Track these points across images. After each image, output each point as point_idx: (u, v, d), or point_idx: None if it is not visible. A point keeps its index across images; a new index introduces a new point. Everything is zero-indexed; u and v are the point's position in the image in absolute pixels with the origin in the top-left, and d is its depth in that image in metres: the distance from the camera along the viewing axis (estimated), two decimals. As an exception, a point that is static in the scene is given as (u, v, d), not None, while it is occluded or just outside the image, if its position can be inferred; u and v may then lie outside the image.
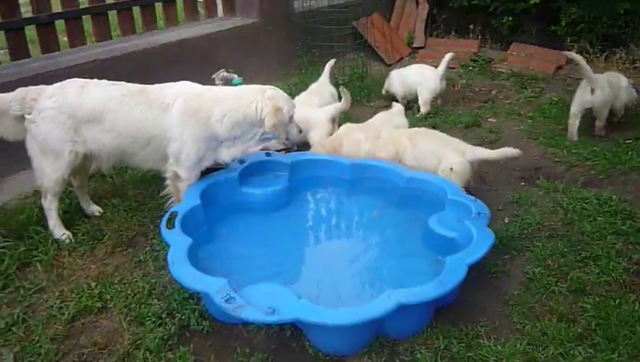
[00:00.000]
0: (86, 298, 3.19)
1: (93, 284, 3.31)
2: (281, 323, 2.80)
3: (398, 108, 4.79)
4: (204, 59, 5.55)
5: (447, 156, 3.93)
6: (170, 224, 3.30)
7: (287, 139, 3.79)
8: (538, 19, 6.99)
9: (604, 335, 2.82)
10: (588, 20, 6.45)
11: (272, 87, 3.73)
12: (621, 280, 3.21)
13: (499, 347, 2.79)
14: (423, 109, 5.57)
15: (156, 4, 5.69)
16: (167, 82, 3.69)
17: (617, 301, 3.04)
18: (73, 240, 3.69)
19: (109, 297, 3.22)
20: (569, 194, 4.08)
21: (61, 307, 3.15)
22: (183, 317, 3.03)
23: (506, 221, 3.86)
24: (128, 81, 3.68)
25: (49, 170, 3.58)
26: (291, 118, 3.70)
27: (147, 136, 3.54)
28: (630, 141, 4.89)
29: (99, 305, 3.17)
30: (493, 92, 6.27)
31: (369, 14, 7.40)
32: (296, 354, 2.85)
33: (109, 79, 3.70)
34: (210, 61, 5.46)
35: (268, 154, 4.08)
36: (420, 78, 5.63)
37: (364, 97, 6.18)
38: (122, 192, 4.26)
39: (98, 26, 5.30)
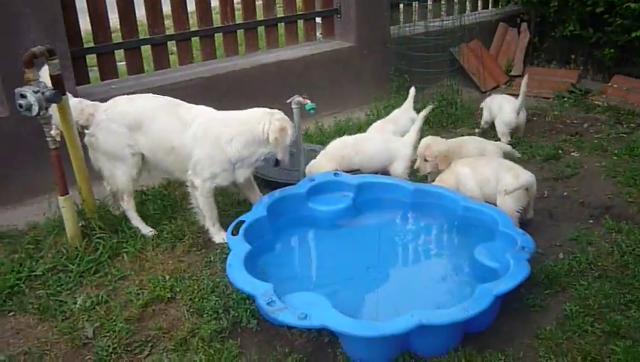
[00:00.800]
0: (160, 288, 3.68)
1: (167, 277, 3.80)
2: (311, 328, 3.09)
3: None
4: (300, 79, 6.01)
5: (504, 178, 4.07)
6: (236, 231, 3.73)
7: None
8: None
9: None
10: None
11: (280, 111, 4.07)
12: (660, 329, 3.20)
13: (512, 379, 2.92)
14: (503, 140, 5.64)
15: (259, 27, 6.22)
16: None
17: (646, 348, 3.05)
18: (157, 236, 4.24)
19: (178, 289, 3.70)
20: (631, 237, 4.03)
21: (138, 293, 3.67)
22: (237, 314, 3.43)
23: (560, 257, 3.90)
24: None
25: (119, 173, 4.12)
26: (292, 142, 4.03)
27: (170, 145, 4.01)
28: None
29: (169, 295, 3.65)
30: (584, 125, 6.17)
31: (468, 42, 7.51)
32: (330, 358, 3.13)
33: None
34: (305, 81, 5.92)
35: (336, 175, 4.41)
36: (498, 110, 5.71)
37: (450, 124, 6.32)
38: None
39: (205, 47, 5.91)
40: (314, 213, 4.19)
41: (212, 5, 5.88)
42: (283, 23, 6.42)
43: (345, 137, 4.83)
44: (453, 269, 3.79)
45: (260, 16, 6.25)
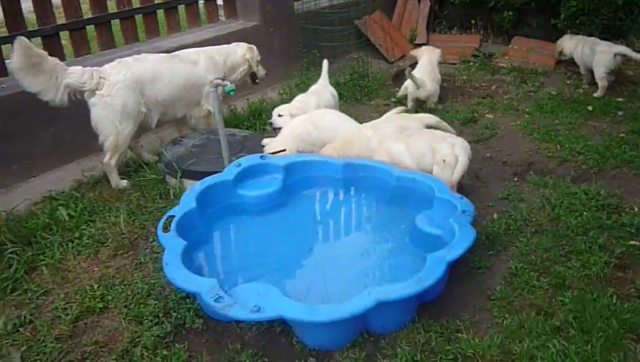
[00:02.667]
0: (89, 299, 3.37)
1: (96, 286, 3.49)
2: (266, 320, 2.93)
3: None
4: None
5: (439, 149, 4.05)
6: (167, 227, 3.47)
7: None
8: (539, 13, 7.02)
9: (580, 328, 2.92)
10: (587, 13, 6.46)
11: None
12: (601, 274, 3.30)
13: (477, 340, 2.90)
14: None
15: (158, 11, 5.85)
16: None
17: (595, 294, 3.13)
18: (77, 243, 3.89)
19: (110, 298, 3.40)
20: (558, 190, 4.16)
21: (65, 308, 3.33)
22: (179, 316, 3.20)
23: (495, 217, 3.96)
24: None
25: (127, 131, 4.49)
26: (257, 62, 5.34)
27: (189, 84, 4.79)
28: (624, 135, 4.94)
29: (100, 305, 3.34)
30: (493, 87, 6.35)
31: (371, 13, 7.50)
32: (285, 348, 2.99)
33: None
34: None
35: (262, 158, 4.22)
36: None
37: (364, 96, 6.28)
38: (125, 196, 4.43)
39: (101, 35, 5.48)
40: (244, 200, 3.99)
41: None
42: (183, 5, 6.06)
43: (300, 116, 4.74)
44: (396, 241, 3.73)
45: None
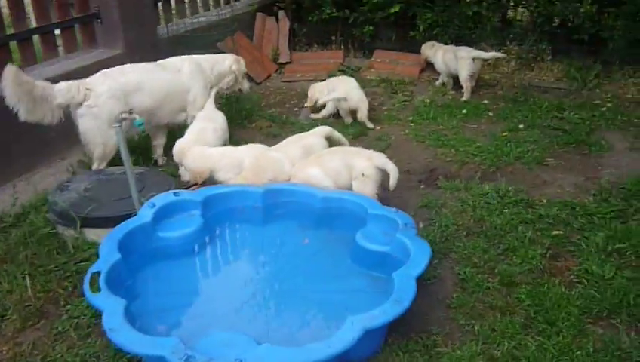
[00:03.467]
0: (9, 388, 2.81)
1: (12, 369, 2.93)
2: None
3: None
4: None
5: (356, 164, 4.00)
6: (95, 286, 3.00)
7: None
8: (396, 27, 7.38)
9: (545, 321, 3.04)
10: (441, 24, 6.91)
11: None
12: (541, 266, 3.49)
13: (458, 352, 2.88)
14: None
15: (10, 42, 5.14)
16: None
17: (545, 286, 3.29)
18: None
19: (35, 381, 2.87)
20: (471, 191, 4.34)
21: (-20, 404, 2.75)
22: (130, 386, 2.79)
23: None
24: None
25: (113, 140, 4.42)
26: (243, 74, 5.60)
27: (171, 92, 4.88)
28: (506, 133, 5.32)
29: (27, 391, 2.81)
30: (368, 99, 6.47)
31: (232, 34, 7.33)
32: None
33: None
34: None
35: (176, 194, 3.86)
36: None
37: (244, 119, 6.07)
38: (11, 256, 3.79)
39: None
40: (167, 242, 3.61)
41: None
42: (37, 35, 5.39)
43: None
44: (339, 264, 3.59)
45: (9, 30, 5.14)
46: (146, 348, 2.63)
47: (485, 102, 6.15)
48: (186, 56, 5.16)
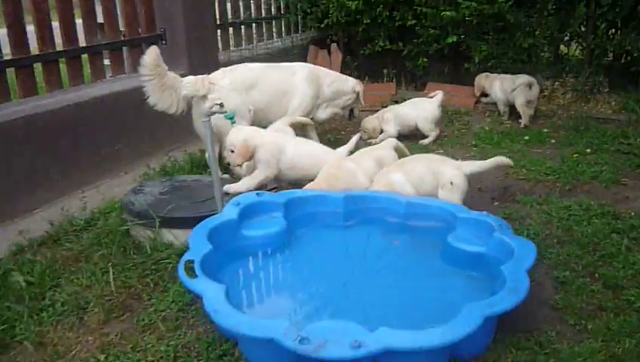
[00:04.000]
0: (100, 375, 2.68)
1: (102, 357, 2.79)
2: (369, 357, 2.47)
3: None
4: (138, 112, 5.18)
5: (443, 172, 3.92)
6: (191, 273, 2.90)
7: None
8: (449, 60, 7.43)
9: (663, 322, 2.87)
10: (496, 56, 6.94)
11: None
12: (645, 273, 3.33)
13: (576, 348, 2.71)
14: None
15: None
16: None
17: (655, 289, 3.13)
18: (51, 311, 3.13)
19: (129, 369, 2.73)
20: (552, 205, 4.22)
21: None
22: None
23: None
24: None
25: None
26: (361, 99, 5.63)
27: (281, 92, 5.04)
28: (576, 155, 5.23)
29: (122, 380, 2.67)
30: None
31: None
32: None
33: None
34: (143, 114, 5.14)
35: (259, 195, 3.80)
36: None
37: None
38: (86, 256, 3.71)
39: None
40: (251, 241, 3.52)
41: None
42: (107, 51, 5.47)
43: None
44: (431, 264, 3.46)
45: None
46: (256, 330, 2.50)
47: (545, 130, 6.09)
48: (308, 64, 5.45)
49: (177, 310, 3.14)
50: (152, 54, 4.36)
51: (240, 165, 4.30)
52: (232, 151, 4.25)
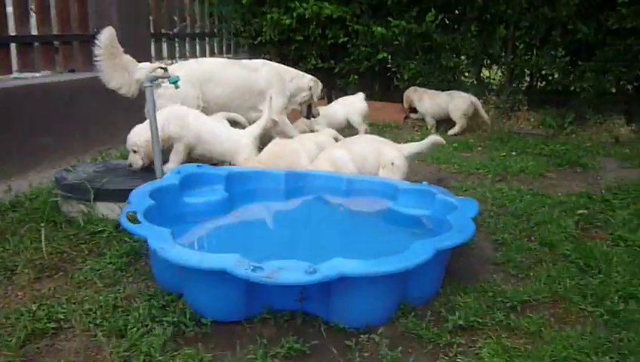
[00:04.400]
0: (30, 322, 2.48)
1: (34, 307, 2.59)
2: (323, 281, 2.40)
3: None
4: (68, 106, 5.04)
5: (385, 152, 4.00)
6: (134, 221, 2.78)
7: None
8: (379, 77, 7.70)
9: (598, 268, 3.01)
10: (424, 74, 7.26)
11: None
12: (576, 234, 3.50)
13: (520, 289, 2.79)
14: None
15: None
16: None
17: (588, 245, 3.28)
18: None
19: (62, 317, 2.54)
20: (485, 188, 4.39)
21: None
22: (173, 321, 2.50)
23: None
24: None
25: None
26: (318, 97, 5.71)
27: (244, 88, 5.10)
28: (504, 155, 5.49)
29: (52, 325, 2.48)
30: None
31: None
32: (318, 335, 2.49)
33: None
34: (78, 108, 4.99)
35: (199, 167, 3.72)
36: None
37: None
38: (13, 231, 3.47)
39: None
40: (193, 208, 3.44)
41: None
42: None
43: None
44: (377, 225, 3.51)
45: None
46: (206, 263, 2.41)
47: (472, 140, 6.36)
48: (268, 61, 5.51)
49: (115, 269, 3.00)
50: (106, 33, 4.31)
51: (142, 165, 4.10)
52: (135, 152, 4.08)
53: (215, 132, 4.30)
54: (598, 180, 4.78)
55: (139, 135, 4.05)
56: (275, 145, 4.19)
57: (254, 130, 4.40)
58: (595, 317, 2.59)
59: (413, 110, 7.15)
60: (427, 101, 6.80)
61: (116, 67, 4.45)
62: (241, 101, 5.11)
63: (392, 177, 3.96)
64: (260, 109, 5.00)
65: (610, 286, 2.78)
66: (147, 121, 4.00)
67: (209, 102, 4.93)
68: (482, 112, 6.65)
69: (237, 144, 4.25)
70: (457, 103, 6.59)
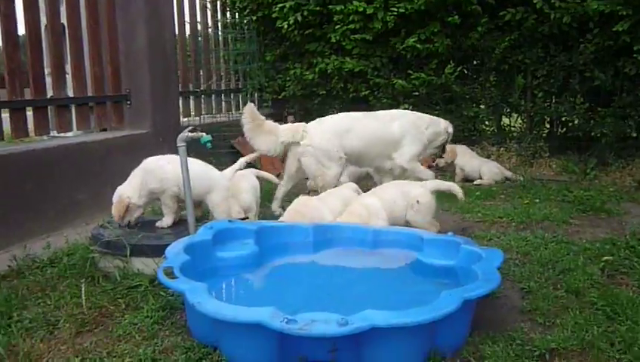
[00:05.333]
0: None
1: (78, 361, 2.71)
2: (354, 334, 2.48)
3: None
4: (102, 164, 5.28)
5: (410, 192, 4.16)
6: (171, 276, 2.90)
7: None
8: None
9: (625, 315, 3.02)
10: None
11: None
12: (602, 281, 3.52)
13: (549, 337, 2.82)
14: None
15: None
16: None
17: (614, 291, 3.31)
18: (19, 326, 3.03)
19: (106, 371, 2.65)
20: (509, 237, 4.44)
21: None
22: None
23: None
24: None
25: (330, 171, 5.22)
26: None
27: (379, 138, 5.43)
28: (527, 202, 5.55)
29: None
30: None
31: (243, 134, 7.64)
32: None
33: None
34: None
35: (230, 221, 3.86)
36: None
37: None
38: (52, 286, 3.62)
39: None
40: (224, 262, 3.55)
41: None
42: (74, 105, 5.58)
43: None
44: (403, 276, 3.58)
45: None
46: (242, 316, 2.51)
47: (494, 188, 6.43)
48: (399, 111, 5.84)
49: (152, 323, 3.10)
50: (248, 110, 5.18)
51: (123, 221, 4.16)
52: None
53: (195, 175, 4.17)
54: (623, 226, 4.79)
55: (115, 193, 4.20)
56: (297, 203, 4.32)
57: (229, 173, 4.54)
58: (624, 365, 2.62)
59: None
60: (468, 157, 6.94)
61: (263, 134, 5.15)
62: (377, 151, 5.46)
63: (421, 217, 4.25)
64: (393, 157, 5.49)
65: (638, 333, 2.80)
66: (127, 180, 4.24)
67: (347, 153, 5.32)
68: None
69: (215, 183, 4.35)
70: (491, 168, 6.76)
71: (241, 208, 4.56)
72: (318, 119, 5.46)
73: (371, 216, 4.08)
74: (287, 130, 5.26)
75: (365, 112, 5.67)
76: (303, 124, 5.40)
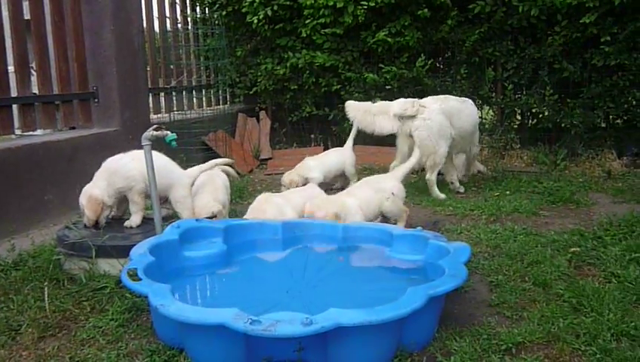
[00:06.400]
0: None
1: (39, 366, 2.65)
2: (320, 333, 2.46)
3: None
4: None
5: (383, 186, 4.21)
6: (135, 278, 2.85)
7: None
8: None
9: (590, 306, 3.05)
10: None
11: None
12: (569, 273, 3.56)
13: (515, 331, 2.84)
14: None
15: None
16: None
17: (580, 283, 3.34)
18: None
19: (66, 377, 2.60)
20: (479, 230, 4.46)
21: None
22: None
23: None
24: None
25: (442, 150, 5.53)
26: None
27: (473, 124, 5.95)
28: (498, 195, 5.59)
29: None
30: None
31: (214, 131, 7.58)
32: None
33: None
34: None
35: (198, 221, 3.81)
36: None
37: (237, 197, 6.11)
38: (16, 290, 3.54)
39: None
40: (192, 262, 3.51)
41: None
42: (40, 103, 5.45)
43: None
44: (374, 272, 3.59)
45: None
46: (205, 318, 2.48)
47: (466, 181, 6.46)
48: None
49: (117, 325, 3.05)
50: (349, 106, 5.80)
51: (95, 222, 4.06)
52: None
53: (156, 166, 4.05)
54: (591, 216, 4.85)
55: (82, 194, 4.12)
56: (259, 201, 4.30)
57: (195, 171, 4.48)
58: (589, 356, 2.62)
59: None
60: None
61: (377, 118, 5.55)
62: (468, 136, 5.87)
63: (396, 205, 4.36)
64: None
65: (603, 325, 2.83)
66: (93, 181, 4.14)
67: (454, 134, 5.62)
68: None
69: (177, 179, 4.29)
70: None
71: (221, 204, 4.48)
72: (431, 97, 5.79)
73: (348, 214, 4.08)
74: (400, 103, 5.52)
75: (457, 98, 6.00)
76: (417, 99, 5.66)
